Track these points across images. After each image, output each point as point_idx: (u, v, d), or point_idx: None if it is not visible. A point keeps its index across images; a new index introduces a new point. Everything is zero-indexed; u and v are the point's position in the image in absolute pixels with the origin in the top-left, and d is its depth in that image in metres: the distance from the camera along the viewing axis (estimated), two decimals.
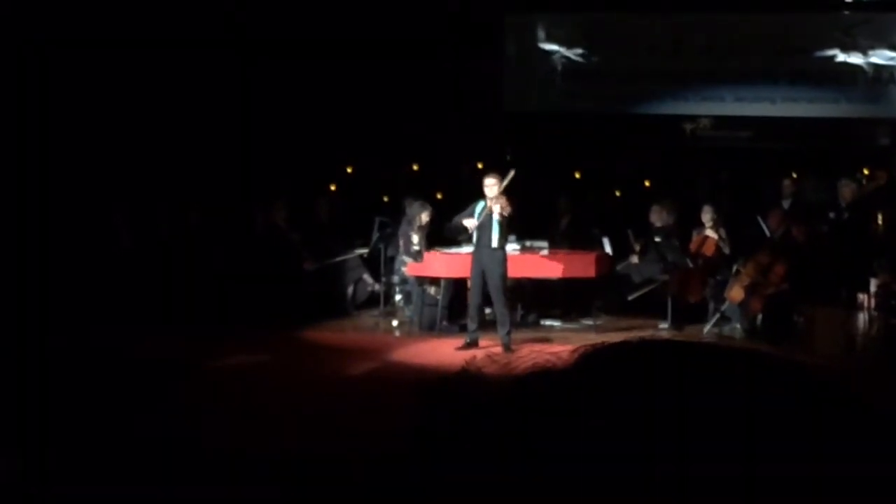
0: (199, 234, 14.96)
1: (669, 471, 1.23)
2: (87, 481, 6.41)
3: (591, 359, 1.40)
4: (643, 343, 1.43)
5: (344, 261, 15.14)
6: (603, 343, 1.43)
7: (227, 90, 16.62)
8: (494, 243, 12.17)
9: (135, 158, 15.35)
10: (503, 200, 12.03)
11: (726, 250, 14.24)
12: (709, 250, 14.25)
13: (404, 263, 14.29)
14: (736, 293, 13.29)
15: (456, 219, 12.68)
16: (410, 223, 14.31)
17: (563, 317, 14.73)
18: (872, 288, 12.56)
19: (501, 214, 12.02)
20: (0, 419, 7.50)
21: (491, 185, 12.16)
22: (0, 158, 13.75)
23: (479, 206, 12.29)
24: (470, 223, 12.33)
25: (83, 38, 14.62)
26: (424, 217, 14.18)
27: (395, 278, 14.82)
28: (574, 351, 1.41)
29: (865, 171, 15.89)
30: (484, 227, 12.18)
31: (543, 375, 1.36)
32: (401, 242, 14.45)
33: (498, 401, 1.36)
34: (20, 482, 6.31)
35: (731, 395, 1.29)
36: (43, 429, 7.38)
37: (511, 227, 12.53)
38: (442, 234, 13.75)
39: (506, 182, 12.15)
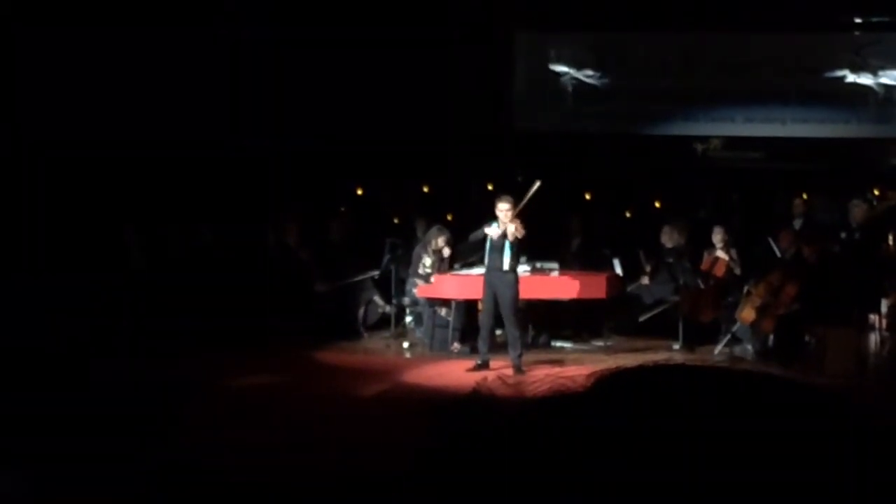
0: (211, 254, 14.98)
1: (685, 497, 1.23)
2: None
3: (607, 383, 1.40)
4: (660, 367, 1.43)
5: (355, 282, 15.13)
6: (619, 367, 1.43)
7: (240, 110, 16.67)
8: (506, 266, 12.16)
9: (146, 178, 15.38)
10: (518, 223, 12.01)
11: (737, 271, 14.22)
12: (720, 271, 14.22)
13: (415, 285, 14.29)
14: (747, 314, 13.26)
15: (472, 236, 12.70)
16: (425, 246, 14.32)
17: (574, 338, 14.70)
18: (884, 308, 12.55)
19: (515, 237, 12.01)
20: (8, 436, 7.49)
21: (506, 210, 12.11)
22: (7, 176, 13.84)
23: (492, 227, 12.26)
24: (492, 230, 12.25)
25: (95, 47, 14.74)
26: (441, 242, 14.18)
27: (406, 300, 14.82)
28: (590, 375, 1.41)
29: (876, 192, 15.88)
30: (495, 249, 12.15)
31: (558, 400, 1.37)
32: (413, 263, 14.46)
33: (511, 424, 1.37)
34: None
35: (748, 420, 1.29)
36: (53, 449, 7.37)
37: (522, 248, 12.52)
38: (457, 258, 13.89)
39: (530, 194, 12.15)
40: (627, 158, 18.25)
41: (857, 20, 17.75)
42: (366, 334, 15.06)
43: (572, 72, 18.61)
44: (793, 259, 13.64)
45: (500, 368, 12.11)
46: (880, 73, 17.53)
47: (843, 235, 14.51)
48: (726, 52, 18.10)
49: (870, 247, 13.72)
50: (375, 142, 17.28)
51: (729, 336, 13.60)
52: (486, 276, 12.32)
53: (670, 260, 14.58)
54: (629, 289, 14.91)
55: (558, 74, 18.66)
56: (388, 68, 17.37)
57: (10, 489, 6.31)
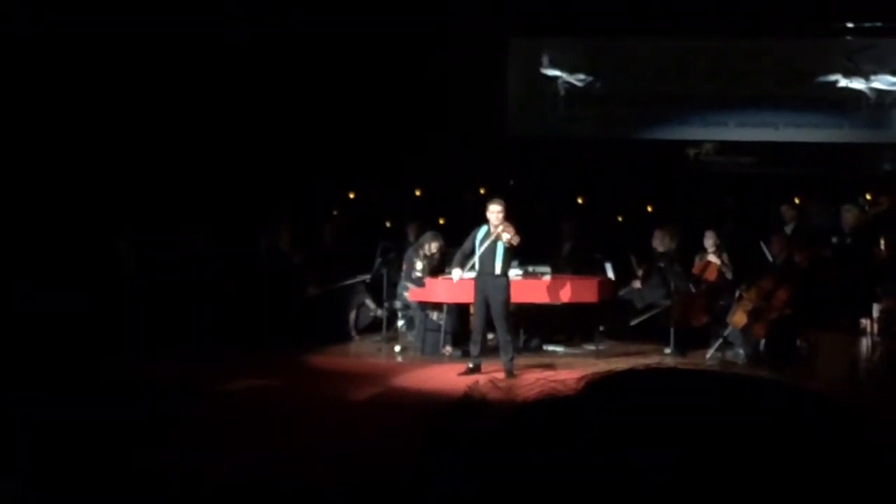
0: (204, 258, 14.95)
1: (678, 500, 1.22)
2: None
3: (597, 386, 1.39)
4: (650, 371, 1.42)
5: (347, 286, 15.11)
6: (610, 370, 1.43)
7: (230, 115, 16.65)
8: (497, 270, 12.14)
9: (139, 182, 15.37)
10: (511, 230, 11.99)
11: (729, 275, 14.22)
12: (711, 275, 14.23)
13: (406, 289, 14.28)
14: (739, 318, 13.27)
15: (457, 256, 12.69)
16: (417, 250, 14.31)
17: (565, 342, 14.70)
18: (875, 313, 12.53)
19: (510, 243, 12.00)
20: (2, 444, 7.46)
21: (497, 212, 12.11)
22: (4, 180, 13.81)
23: (482, 231, 12.25)
24: (456, 274, 12.44)
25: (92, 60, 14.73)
26: (434, 247, 14.17)
27: (398, 303, 14.81)
28: (580, 379, 1.41)
29: (868, 197, 15.89)
30: (487, 253, 12.13)
31: (548, 403, 1.36)
32: (404, 267, 14.45)
33: (501, 427, 1.36)
34: None
35: (740, 424, 1.28)
36: (47, 455, 7.35)
37: (514, 252, 12.50)
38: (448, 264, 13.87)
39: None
40: (620, 163, 18.25)
41: (850, 25, 17.78)
42: (357, 338, 15.06)
43: (565, 76, 18.61)
44: (785, 263, 13.64)
45: (492, 372, 12.09)
46: (872, 77, 17.56)
47: (834, 240, 14.52)
48: (719, 57, 18.11)
49: (862, 252, 13.73)
50: (369, 145, 17.27)
51: (720, 340, 13.61)
52: (478, 279, 12.30)
53: (662, 264, 14.57)
54: (621, 293, 14.91)
55: (551, 79, 18.66)
56: (383, 72, 17.35)
57: (7, 495, 6.29)
